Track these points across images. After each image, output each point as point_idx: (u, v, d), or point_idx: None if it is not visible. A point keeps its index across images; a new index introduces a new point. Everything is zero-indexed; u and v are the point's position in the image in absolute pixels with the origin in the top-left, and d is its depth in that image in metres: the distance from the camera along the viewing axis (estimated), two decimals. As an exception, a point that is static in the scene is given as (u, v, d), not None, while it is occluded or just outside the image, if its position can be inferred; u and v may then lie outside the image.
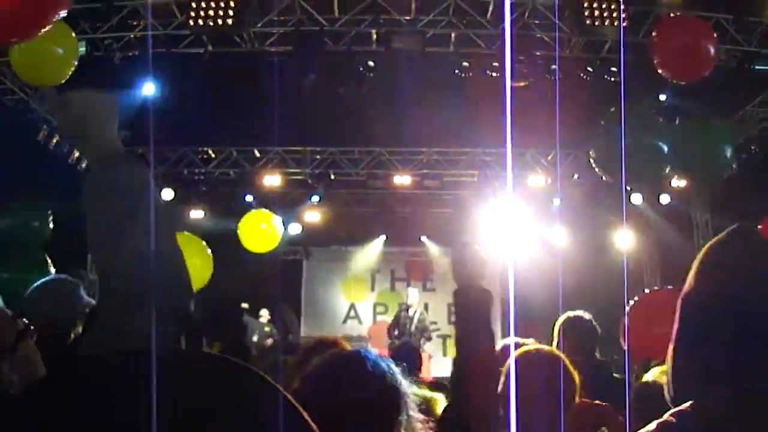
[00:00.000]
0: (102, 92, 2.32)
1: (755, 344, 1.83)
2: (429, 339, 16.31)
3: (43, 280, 4.54)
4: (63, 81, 9.22)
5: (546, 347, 3.88)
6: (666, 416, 1.92)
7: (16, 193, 11.83)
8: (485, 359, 2.79)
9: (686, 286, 1.99)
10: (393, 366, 2.40)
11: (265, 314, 17.64)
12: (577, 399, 3.41)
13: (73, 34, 9.69)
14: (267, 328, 17.45)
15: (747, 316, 1.84)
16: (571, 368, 3.80)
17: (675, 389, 1.94)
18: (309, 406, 1.94)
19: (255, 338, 16.89)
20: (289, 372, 4.78)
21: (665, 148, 11.15)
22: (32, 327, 3.88)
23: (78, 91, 2.34)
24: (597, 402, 3.26)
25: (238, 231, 16.52)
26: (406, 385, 2.37)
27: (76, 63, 9.27)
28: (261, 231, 16.60)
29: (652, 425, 1.91)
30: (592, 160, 11.42)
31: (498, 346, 4.48)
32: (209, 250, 12.38)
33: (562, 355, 3.84)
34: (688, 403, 1.90)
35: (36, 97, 13.83)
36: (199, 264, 11.76)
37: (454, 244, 3.22)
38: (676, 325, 1.98)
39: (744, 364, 1.82)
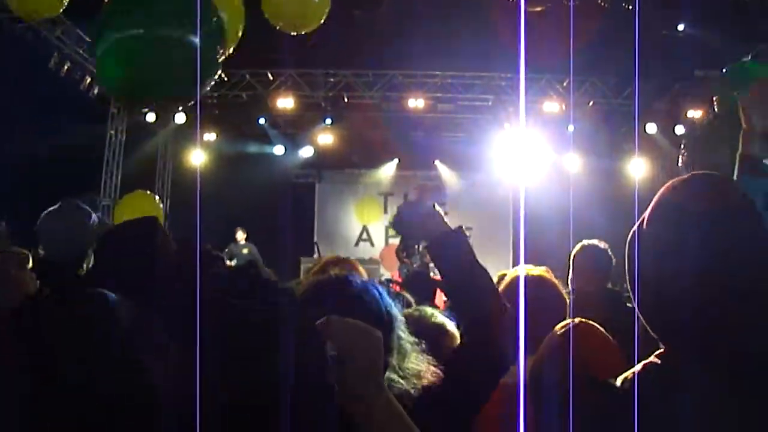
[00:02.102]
0: None
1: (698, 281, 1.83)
2: None
3: (53, 207, 4.52)
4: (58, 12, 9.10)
5: (535, 270, 3.85)
6: (652, 357, 1.94)
7: (28, 120, 11.85)
8: (492, 300, 2.74)
9: (636, 225, 2.00)
10: (381, 289, 2.36)
11: (240, 236, 17.47)
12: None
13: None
14: (245, 250, 17.30)
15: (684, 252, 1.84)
16: (560, 289, 3.82)
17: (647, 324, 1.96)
18: None
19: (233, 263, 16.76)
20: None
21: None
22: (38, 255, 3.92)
23: None
24: (587, 321, 3.25)
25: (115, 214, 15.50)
26: (396, 308, 2.35)
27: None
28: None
29: (638, 366, 1.93)
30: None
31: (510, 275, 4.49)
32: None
33: (550, 276, 3.85)
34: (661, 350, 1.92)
35: (47, 24, 13.74)
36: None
37: (397, 207, 3.07)
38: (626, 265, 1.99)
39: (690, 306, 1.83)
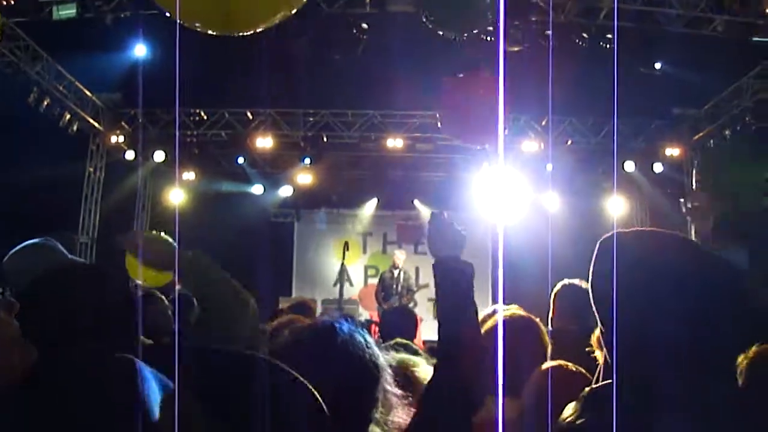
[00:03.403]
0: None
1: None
2: (413, 300, 16.22)
3: (19, 246, 4.41)
4: None
5: (519, 311, 3.85)
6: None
7: (6, 155, 11.80)
8: (472, 335, 2.72)
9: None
10: (369, 338, 2.30)
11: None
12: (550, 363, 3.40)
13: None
14: None
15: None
16: (543, 331, 3.81)
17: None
18: None
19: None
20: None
21: None
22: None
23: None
24: (567, 365, 3.23)
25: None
26: (383, 360, 2.28)
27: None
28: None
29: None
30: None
31: (484, 314, 4.48)
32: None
33: (535, 319, 3.85)
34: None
35: (26, 59, 13.74)
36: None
37: (431, 215, 3.06)
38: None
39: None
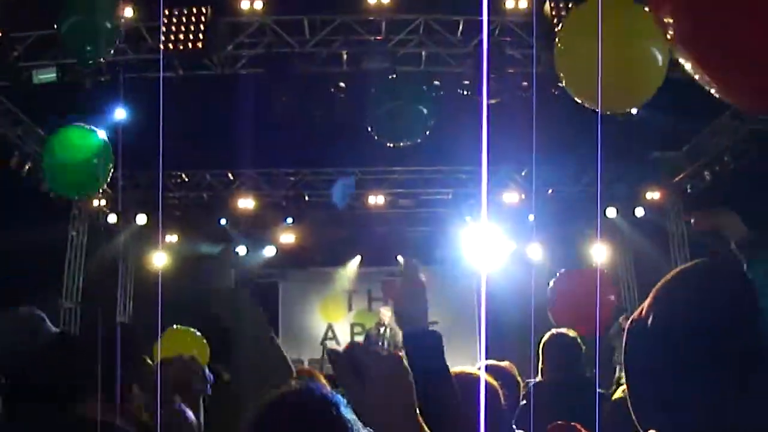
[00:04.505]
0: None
1: (700, 378, 1.83)
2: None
3: (5, 313, 4.32)
4: None
5: (474, 371, 3.83)
6: None
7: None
8: (449, 398, 2.70)
9: (636, 315, 2.00)
10: (341, 399, 2.27)
11: None
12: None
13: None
14: None
15: (694, 349, 1.84)
16: (495, 388, 3.79)
17: (638, 418, 1.94)
18: None
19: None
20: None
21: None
22: None
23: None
24: (565, 423, 3.23)
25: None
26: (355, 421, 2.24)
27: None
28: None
29: None
30: None
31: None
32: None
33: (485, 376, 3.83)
34: None
35: (6, 123, 13.75)
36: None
37: (398, 275, 3.08)
38: (624, 355, 1.98)
39: (692, 398, 1.83)
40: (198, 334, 12.28)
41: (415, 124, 12.11)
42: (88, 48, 9.93)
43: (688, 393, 1.82)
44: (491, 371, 3.85)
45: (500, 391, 3.77)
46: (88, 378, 2.72)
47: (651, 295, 1.98)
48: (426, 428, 1.97)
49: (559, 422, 3.08)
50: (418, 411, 1.89)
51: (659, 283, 1.99)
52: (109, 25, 9.92)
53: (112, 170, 9.69)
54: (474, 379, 3.72)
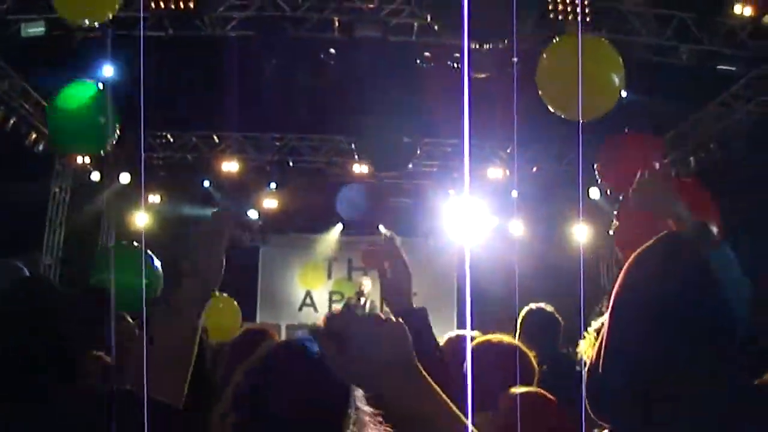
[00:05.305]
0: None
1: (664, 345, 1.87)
2: None
3: None
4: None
5: (506, 338, 3.89)
6: None
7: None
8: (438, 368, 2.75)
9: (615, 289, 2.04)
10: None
11: None
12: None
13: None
14: None
15: (658, 319, 1.89)
16: (531, 358, 3.83)
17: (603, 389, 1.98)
18: (251, 401, 1.93)
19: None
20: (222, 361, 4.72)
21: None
22: None
23: None
24: (534, 390, 3.25)
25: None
26: None
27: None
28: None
29: None
30: None
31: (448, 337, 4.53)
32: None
33: (521, 345, 3.88)
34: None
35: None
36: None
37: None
38: (607, 328, 2.01)
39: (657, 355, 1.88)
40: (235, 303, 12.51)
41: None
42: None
43: (652, 361, 1.87)
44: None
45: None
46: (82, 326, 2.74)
47: (622, 272, 2.02)
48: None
49: (523, 389, 3.10)
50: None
51: (629, 259, 2.04)
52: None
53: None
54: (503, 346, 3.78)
